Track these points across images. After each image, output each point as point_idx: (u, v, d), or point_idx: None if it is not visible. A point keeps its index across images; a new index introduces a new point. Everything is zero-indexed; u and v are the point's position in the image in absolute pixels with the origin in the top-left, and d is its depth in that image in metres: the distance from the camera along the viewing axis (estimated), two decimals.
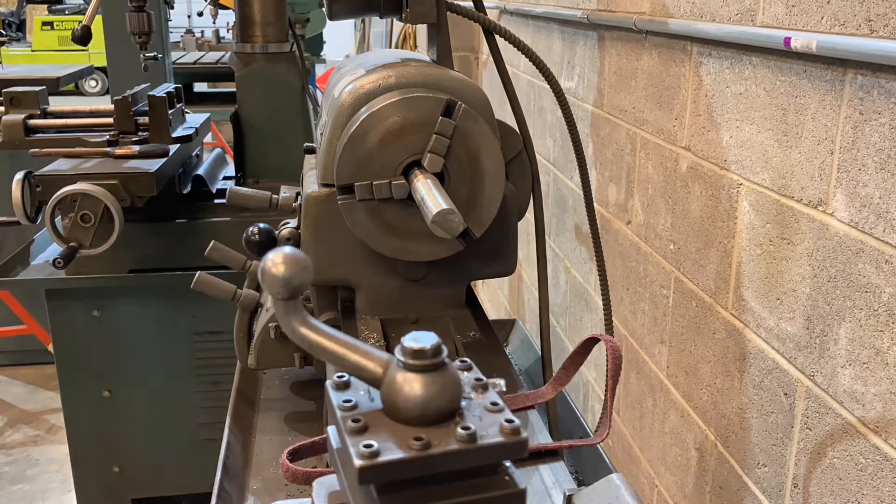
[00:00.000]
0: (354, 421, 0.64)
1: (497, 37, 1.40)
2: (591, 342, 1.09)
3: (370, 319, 1.28)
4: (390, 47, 6.35)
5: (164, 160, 2.51)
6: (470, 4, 1.38)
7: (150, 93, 2.68)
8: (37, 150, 2.55)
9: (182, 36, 10.20)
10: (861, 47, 1.17)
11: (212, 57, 7.06)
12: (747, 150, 1.55)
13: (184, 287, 1.73)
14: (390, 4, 1.29)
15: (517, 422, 0.64)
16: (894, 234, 1.15)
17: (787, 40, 1.32)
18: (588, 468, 1.40)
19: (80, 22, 2.62)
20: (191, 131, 2.80)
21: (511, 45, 1.39)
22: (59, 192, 2.28)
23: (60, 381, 2.69)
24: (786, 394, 1.45)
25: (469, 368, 0.73)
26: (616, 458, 2.35)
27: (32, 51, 13.99)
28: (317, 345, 0.69)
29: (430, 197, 1.04)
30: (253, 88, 2.84)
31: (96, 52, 6.90)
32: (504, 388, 1.15)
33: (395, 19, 1.37)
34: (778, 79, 1.43)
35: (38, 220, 2.38)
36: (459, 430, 0.63)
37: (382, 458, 0.61)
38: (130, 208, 2.38)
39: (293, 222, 1.52)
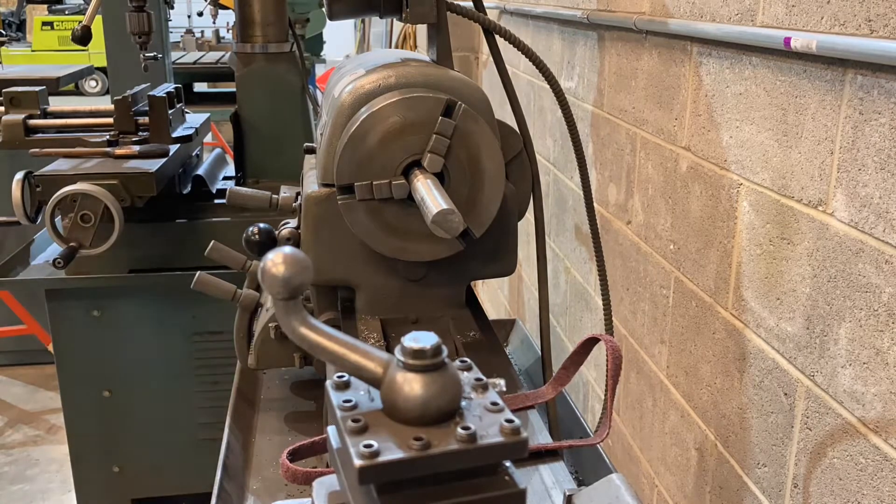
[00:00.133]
0: (354, 421, 0.64)
1: (497, 37, 1.40)
2: (591, 342, 1.09)
3: (370, 319, 1.28)
4: (390, 47, 6.35)
5: (164, 160, 2.51)
6: (470, 4, 1.38)
7: (150, 93, 2.68)
8: (37, 150, 2.55)
9: (182, 36, 10.20)
10: (861, 47, 1.17)
11: (212, 57, 7.06)
12: (747, 150, 1.55)
13: (184, 287, 1.72)
14: (390, 4, 1.29)
15: (517, 422, 0.64)
16: (894, 234, 1.15)
17: (787, 40, 1.32)
18: (588, 468, 1.40)
19: (80, 22, 2.62)
20: (191, 131, 2.80)
21: (511, 45, 1.39)
22: (59, 192, 2.28)
23: (60, 381, 2.69)
24: (786, 394, 1.45)
25: (469, 368, 0.73)
26: (616, 458, 2.35)
27: (32, 51, 13.99)
28: (317, 345, 0.69)
29: (430, 197, 1.04)
30: (253, 88, 2.84)
31: (96, 52, 6.90)
32: (504, 388, 1.15)
33: (395, 19, 1.37)
34: (778, 79, 1.43)
35: (38, 220, 2.38)
36: (459, 430, 0.63)
37: (382, 458, 0.61)
38: (130, 208, 2.38)
39: (293, 222, 1.52)
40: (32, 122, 2.59)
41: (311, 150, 1.56)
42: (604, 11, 2.25)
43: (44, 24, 14.14)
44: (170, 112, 2.67)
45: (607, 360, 1.07)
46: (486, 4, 1.40)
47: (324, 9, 1.38)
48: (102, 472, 2.77)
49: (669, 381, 1.96)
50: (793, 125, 1.39)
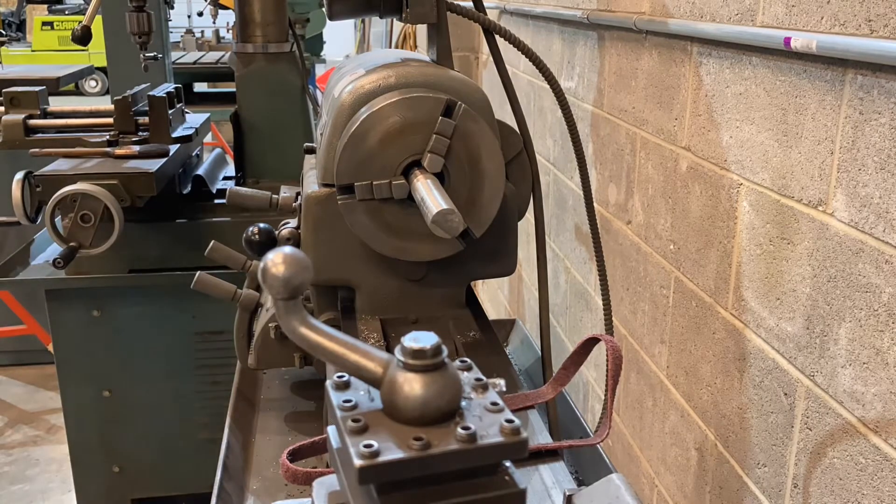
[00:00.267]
0: (354, 421, 0.64)
1: (497, 37, 1.40)
2: (591, 342, 1.09)
3: (370, 319, 1.28)
4: (390, 47, 6.35)
5: (164, 160, 2.51)
6: (470, 4, 1.38)
7: (150, 93, 2.68)
8: (37, 150, 2.55)
9: (182, 36, 10.21)
10: (861, 47, 1.17)
11: (212, 57, 7.07)
12: (747, 150, 1.55)
13: (184, 287, 1.72)
14: (390, 4, 1.29)
15: (517, 422, 0.64)
16: (894, 234, 1.15)
17: (787, 40, 1.32)
18: (588, 468, 1.40)
19: (80, 22, 2.62)
20: (191, 131, 2.80)
21: (511, 45, 1.39)
22: (59, 192, 2.28)
23: (60, 381, 2.69)
24: (786, 394, 1.45)
25: (469, 368, 0.73)
26: (616, 458, 2.35)
27: (32, 51, 13.99)
28: (317, 345, 0.69)
29: (430, 197, 1.04)
30: (253, 88, 2.84)
31: (96, 52, 6.90)
32: (504, 388, 1.15)
33: (395, 19, 1.37)
34: (778, 79, 1.43)
35: (38, 220, 2.38)
36: (459, 430, 0.63)
37: (382, 458, 0.61)
38: (130, 208, 2.38)
39: (293, 222, 1.52)
40: (32, 122, 2.59)
41: (311, 150, 1.56)
42: (604, 11, 2.25)
43: (44, 24, 14.14)
44: (170, 112, 2.67)
45: (607, 360, 1.07)
46: (486, 4, 1.40)
47: (324, 9, 1.38)
48: (102, 472, 2.77)
49: (669, 381, 1.96)
50: (793, 125, 1.39)
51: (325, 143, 1.22)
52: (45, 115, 2.67)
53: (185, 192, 2.80)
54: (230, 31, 8.73)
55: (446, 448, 0.62)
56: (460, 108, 1.15)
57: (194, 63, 6.72)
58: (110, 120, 2.65)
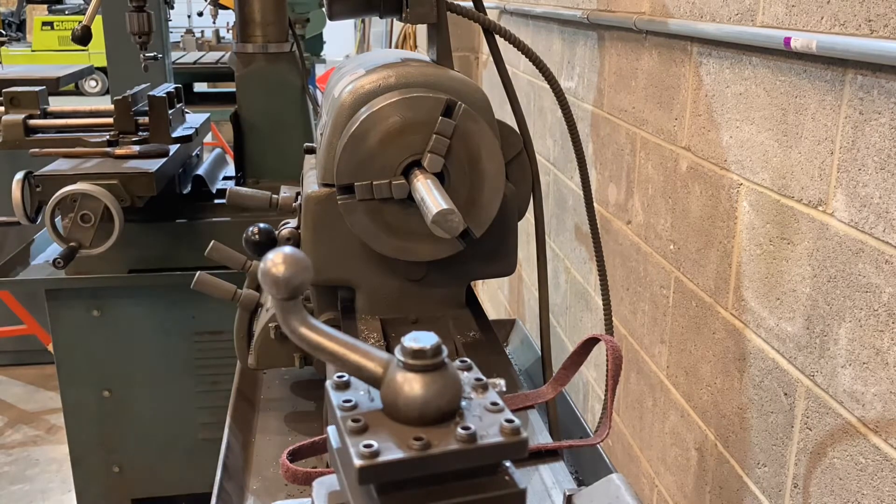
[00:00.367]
0: (354, 421, 0.64)
1: (497, 37, 1.40)
2: (591, 342, 1.09)
3: (370, 319, 1.28)
4: (390, 47, 6.35)
5: (164, 160, 2.51)
6: (470, 4, 1.38)
7: (150, 93, 2.68)
8: (37, 150, 2.55)
9: (182, 36, 10.20)
10: (861, 47, 1.17)
11: (212, 57, 7.07)
12: (747, 150, 1.55)
13: (184, 287, 1.73)
14: (390, 4, 1.29)
15: (517, 422, 0.64)
16: (894, 234, 1.15)
17: (787, 40, 1.32)
18: (588, 468, 1.40)
19: (80, 22, 2.62)
20: (191, 131, 2.80)
21: (511, 45, 1.39)
22: (59, 192, 2.28)
23: (60, 381, 2.69)
24: (786, 394, 1.45)
25: (469, 368, 0.73)
26: (616, 458, 2.35)
27: (32, 51, 13.99)
28: (317, 345, 0.69)
29: (430, 197, 1.04)
30: (253, 88, 2.84)
31: (96, 52, 6.90)
32: (504, 388, 1.15)
33: (395, 19, 1.37)
34: (778, 79, 1.43)
35: (38, 220, 2.38)
36: (459, 430, 0.63)
37: (382, 458, 0.61)
38: (130, 208, 2.38)
39: (293, 222, 1.52)
40: (32, 122, 2.59)
41: (311, 150, 1.56)
42: (604, 11, 2.25)
43: (44, 24, 14.14)
44: (170, 112, 2.67)
45: (607, 360, 1.07)
46: (486, 4, 1.40)
47: (324, 9, 1.38)
48: (102, 472, 2.77)
49: (669, 381, 1.96)
50: (793, 125, 1.39)
51: (325, 143, 1.22)
52: (45, 115, 2.67)
53: (185, 192, 2.80)
54: (230, 31, 8.72)
55: (446, 448, 0.62)
56: (460, 108, 1.15)
57: (194, 63, 6.72)
58: (110, 120, 2.65)
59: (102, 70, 8.31)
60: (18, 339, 4.55)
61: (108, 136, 2.59)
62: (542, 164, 3.04)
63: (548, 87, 1.42)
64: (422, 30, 2.44)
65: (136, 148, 2.54)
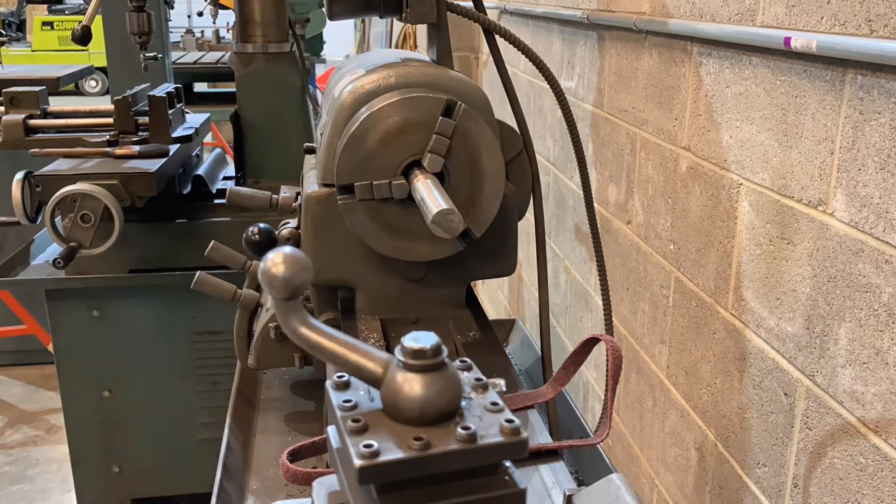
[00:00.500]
0: (354, 421, 0.64)
1: (497, 37, 1.40)
2: (591, 342, 1.09)
3: (370, 319, 1.28)
4: (390, 47, 6.35)
5: (164, 160, 2.51)
6: (470, 4, 1.38)
7: (150, 93, 2.68)
8: (37, 150, 2.55)
9: (182, 36, 10.20)
10: (861, 47, 1.17)
11: (212, 57, 7.07)
12: (747, 150, 1.55)
13: (184, 287, 1.73)
14: (390, 4, 1.29)
15: (517, 422, 0.64)
16: (894, 234, 1.15)
17: (787, 40, 1.32)
18: (588, 468, 1.40)
19: (80, 22, 2.62)
20: (191, 131, 2.80)
21: (511, 45, 1.39)
22: (59, 192, 2.28)
23: (60, 381, 2.69)
24: (786, 394, 1.45)
25: (469, 368, 0.73)
26: (616, 458, 2.35)
27: (32, 51, 13.99)
28: (317, 345, 0.69)
29: (430, 197, 1.04)
30: (253, 88, 2.84)
31: (96, 52, 6.90)
32: (504, 388, 1.15)
33: (395, 19, 1.37)
34: (778, 79, 1.43)
35: (38, 220, 2.38)
36: (459, 430, 0.63)
37: (382, 458, 0.61)
38: (130, 208, 2.38)
39: (293, 222, 1.52)
40: (32, 122, 2.59)
41: (311, 150, 1.56)
42: (604, 11, 2.25)
43: (44, 24, 14.14)
44: (170, 112, 2.67)
45: (607, 360, 1.07)
46: (486, 4, 1.40)
47: (324, 9, 1.38)
48: (102, 472, 2.77)
49: (669, 381, 1.96)
50: (793, 125, 1.39)
51: (325, 143, 1.22)
52: (45, 115, 2.67)
53: (185, 192, 2.80)
54: (230, 31, 8.73)
55: (446, 448, 0.62)
56: (460, 108, 1.15)
57: (194, 63, 6.72)
58: (110, 120, 2.65)
59: (102, 70, 8.31)
60: (18, 339, 4.55)
61: (108, 136, 2.59)
62: (542, 164, 3.04)
63: (548, 87, 1.42)
64: (422, 30, 2.44)
65: (136, 148, 2.54)
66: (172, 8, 4.21)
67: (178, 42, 9.82)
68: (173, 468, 2.79)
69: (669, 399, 1.96)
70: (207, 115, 3.16)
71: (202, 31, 10.81)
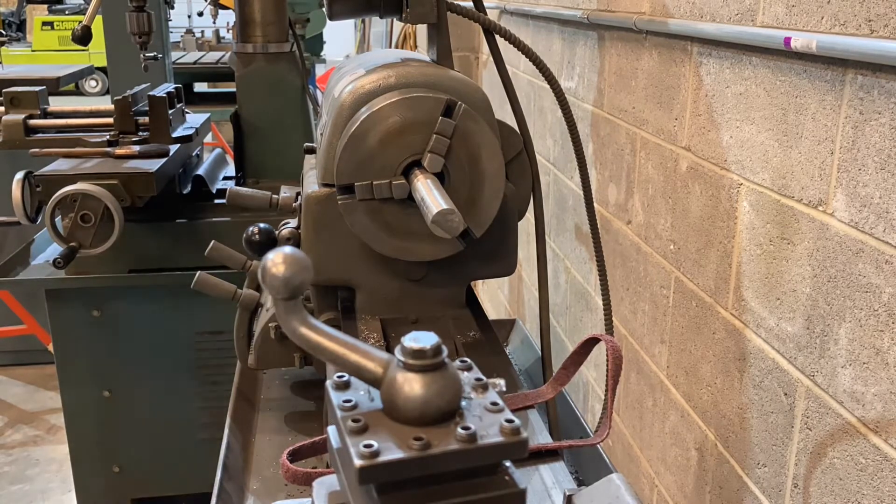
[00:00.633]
0: (354, 421, 0.64)
1: (497, 37, 1.40)
2: (591, 342, 1.09)
3: (370, 319, 1.28)
4: (390, 47, 6.35)
5: (164, 160, 2.51)
6: (470, 4, 1.38)
7: (150, 93, 2.68)
8: (37, 150, 2.55)
9: (182, 36, 10.20)
10: (861, 47, 1.17)
11: (212, 57, 7.07)
12: (747, 150, 1.55)
13: (184, 287, 1.72)
14: (390, 4, 1.29)
15: (517, 422, 0.64)
16: (894, 234, 1.15)
17: (787, 40, 1.32)
18: (588, 468, 1.40)
19: (80, 22, 2.62)
20: (191, 131, 2.80)
21: (511, 45, 1.39)
22: (59, 192, 2.28)
23: (60, 381, 2.69)
24: (786, 394, 1.45)
25: (469, 368, 0.73)
26: (616, 458, 2.35)
27: (32, 51, 13.99)
28: (317, 345, 0.69)
29: (430, 197, 1.04)
30: (253, 88, 2.84)
31: (96, 52, 6.90)
32: (504, 388, 1.15)
33: (395, 19, 1.37)
34: (778, 79, 1.43)
35: (38, 220, 2.38)
36: (459, 430, 0.63)
37: (382, 458, 0.61)
38: (130, 208, 2.38)
39: (293, 222, 1.52)
40: (32, 122, 2.59)
41: (311, 150, 1.56)
42: (604, 11, 2.25)
43: (44, 24, 14.14)
44: (170, 112, 2.67)
45: (607, 360, 1.07)
46: (486, 4, 1.40)
47: (324, 9, 1.38)
48: (102, 472, 2.77)
49: (669, 381, 1.96)
50: (793, 125, 1.39)
51: (325, 143, 1.22)
52: (45, 115, 2.67)
53: (185, 192, 2.80)
54: (230, 31, 8.73)
55: (446, 448, 0.62)
56: (460, 108, 1.15)
57: (194, 63, 6.72)
58: (110, 120, 2.65)
59: (102, 70, 8.31)
60: (18, 339, 4.55)
61: (108, 136, 2.59)
62: (542, 164, 3.04)
63: (548, 87, 1.42)
64: (422, 30, 2.44)
65: (136, 148, 2.54)
66: (172, 8, 4.21)
67: (179, 42, 9.82)
68: (173, 468, 2.79)
69: (669, 399, 1.96)
70: (207, 115, 3.16)
71: (202, 31, 10.81)
